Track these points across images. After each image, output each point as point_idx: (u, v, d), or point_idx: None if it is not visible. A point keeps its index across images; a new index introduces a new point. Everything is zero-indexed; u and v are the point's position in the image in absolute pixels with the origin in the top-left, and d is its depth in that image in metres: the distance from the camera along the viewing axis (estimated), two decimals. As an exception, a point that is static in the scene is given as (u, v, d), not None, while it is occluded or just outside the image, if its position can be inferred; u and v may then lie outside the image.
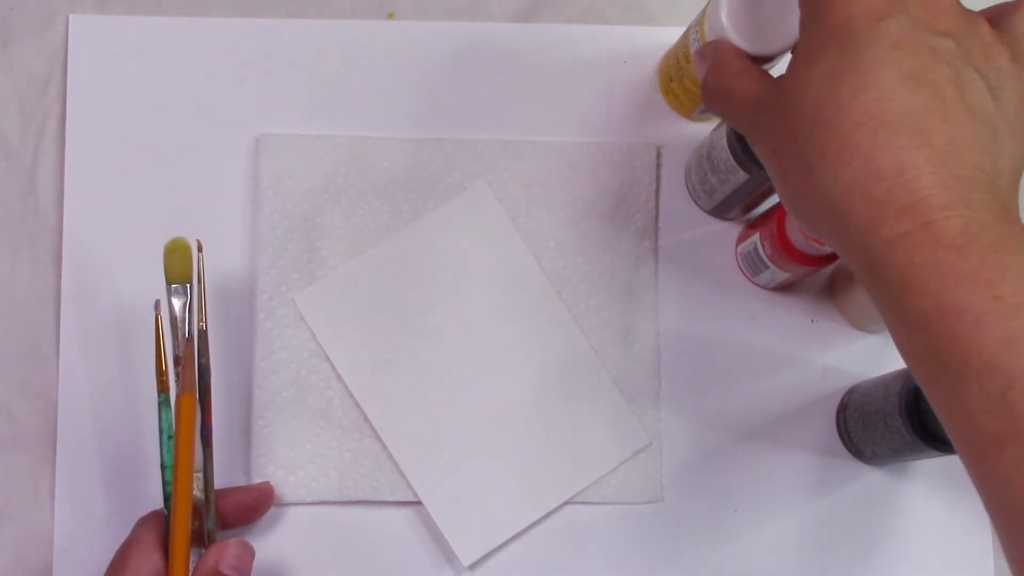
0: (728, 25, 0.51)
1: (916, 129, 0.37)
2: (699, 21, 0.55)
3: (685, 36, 0.58)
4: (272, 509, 0.58)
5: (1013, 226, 0.36)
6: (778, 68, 0.46)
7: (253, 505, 0.57)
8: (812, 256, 0.54)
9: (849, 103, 0.38)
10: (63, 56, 0.62)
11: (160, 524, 0.52)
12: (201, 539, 0.53)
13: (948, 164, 0.36)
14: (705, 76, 0.47)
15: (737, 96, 0.44)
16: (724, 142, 0.55)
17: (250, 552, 0.52)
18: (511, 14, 0.64)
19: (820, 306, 0.62)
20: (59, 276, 0.61)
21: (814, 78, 0.39)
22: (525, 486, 0.60)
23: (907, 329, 0.37)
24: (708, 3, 0.54)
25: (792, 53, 0.42)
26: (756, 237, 0.58)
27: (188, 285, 0.54)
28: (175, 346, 0.54)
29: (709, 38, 0.53)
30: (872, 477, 0.61)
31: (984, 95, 0.38)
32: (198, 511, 0.53)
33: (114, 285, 0.60)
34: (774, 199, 0.59)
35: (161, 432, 0.53)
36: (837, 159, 0.38)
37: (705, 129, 0.62)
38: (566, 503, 0.60)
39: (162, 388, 0.53)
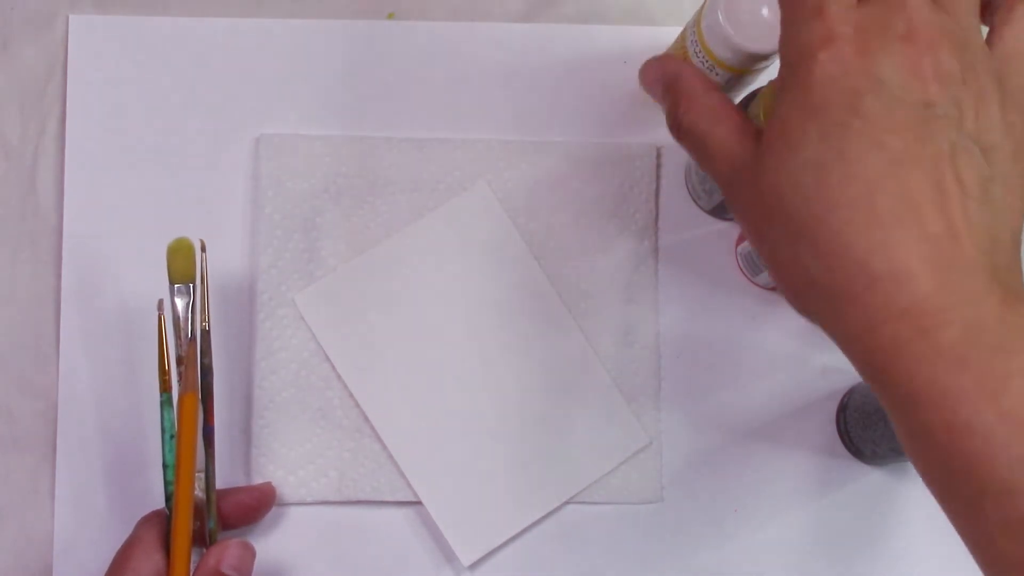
0: (725, 22, 0.51)
1: (909, 220, 0.35)
2: (696, 20, 0.55)
3: (682, 36, 0.58)
4: (273, 509, 0.58)
5: (1016, 311, 0.34)
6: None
7: (255, 505, 0.57)
8: (812, 256, 0.54)
9: (837, 197, 0.35)
10: (63, 56, 0.62)
11: (161, 524, 0.52)
12: (202, 539, 0.53)
13: (944, 255, 0.34)
14: (674, 109, 0.42)
15: (712, 147, 0.41)
16: (724, 142, 0.55)
17: (251, 552, 0.52)
18: (511, 14, 0.64)
19: (820, 306, 0.62)
20: (59, 276, 0.60)
21: (797, 166, 0.36)
22: (525, 486, 0.60)
23: (915, 442, 0.35)
24: (705, 1, 0.54)
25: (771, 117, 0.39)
26: (756, 237, 0.58)
27: (191, 285, 0.54)
28: (178, 346, 0.54)
29: (706, 36, 0.53)
30: (872, 477, 0.61)
31: (977, 161, 0.36)
32: (199, 511, 0.53)
33: (114, 285, 0.60)
34: (774, 199, 0.59)
35: (163, 432, 0.53)
36: (830, 260, 0.36)
37: (705, 129, 0.62)
38: (566, 503, 0.60)
39: (164, 388, 0.53)
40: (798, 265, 0.37)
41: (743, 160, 0.39)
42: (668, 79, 0.43)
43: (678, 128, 0.42)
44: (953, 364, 0.33)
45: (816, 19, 0.37)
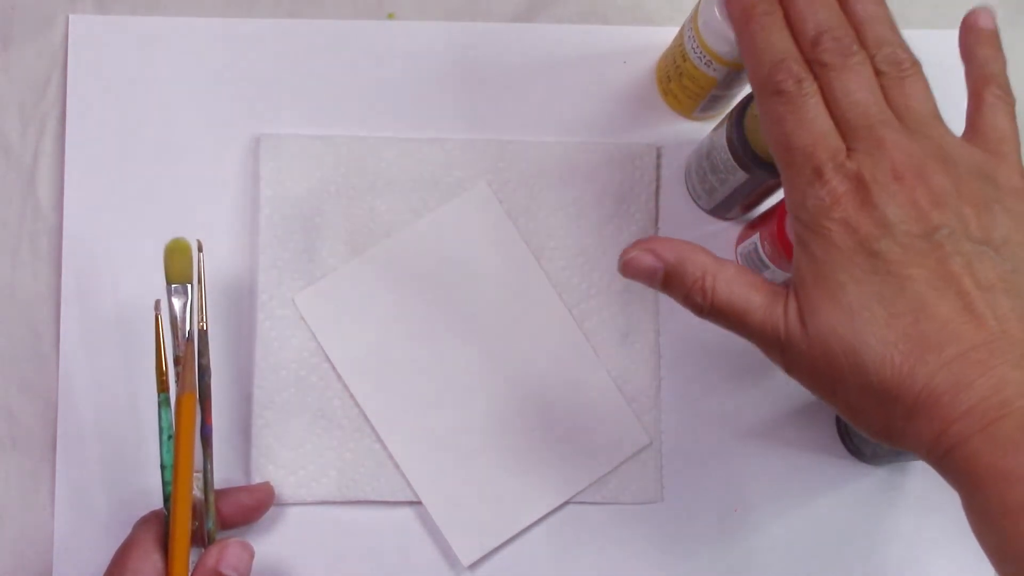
0: (722, 16, 0.51)
1: (954, 338, 0.38)
2: (692, 16, 0.55)
3: (680, 34, 0.58)
4: (272, 509, 0.58)
5: None
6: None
7: (253, 505, 0.57)
8: (812, 256, 0.54)
9: (887, 334, 0.39)
10: (63, 56, 0.62)
11: (160, 524, 0.52)
12: (201, 539, 0.53)
13: (994, 354, 0.38)
14: (696, 292, 0.44)
15: (754, 320, 0.43)
16: (724, 141, 0.55)
17: (249, 552, 0.52)
18: (511, 14, 0.64)
19: (820, 306, 0.62)
20: (59, 276, 0.61)
21: (844, 314, 0.40)
22: (525, 486, 0.60)
23: (977, 521, 0.38)
24: None
25: (794, 273, 0.43)
26: (756, 237, 0.58)
27: (188, 285, 0.54)
28: (175, 346, 0.53)
29: (703, 32, 0.53)
30: (872, 477, 0.61)
31: (992, 260, 0.40)
32: (198, 511, 0.53)
33: (114, 285, 0.60)
34: (774, 199, 0.59)
35: (161, 432, 0.53)
36: (900, 391, 0.39)
37: (705, 128, 0.62)
38: (566, 503, 0.60)
39: (162, 388, 0.53)
40: (875, 408, 0.40)
41: (784, 323, 0.42)
42: (670, 266, 0.45)
43: (711, 309, 0.44)
44: (1011, 451, 0.36)
45: (817, 182, 0.41)
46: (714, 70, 0.55)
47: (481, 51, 0.64)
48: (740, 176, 0.55)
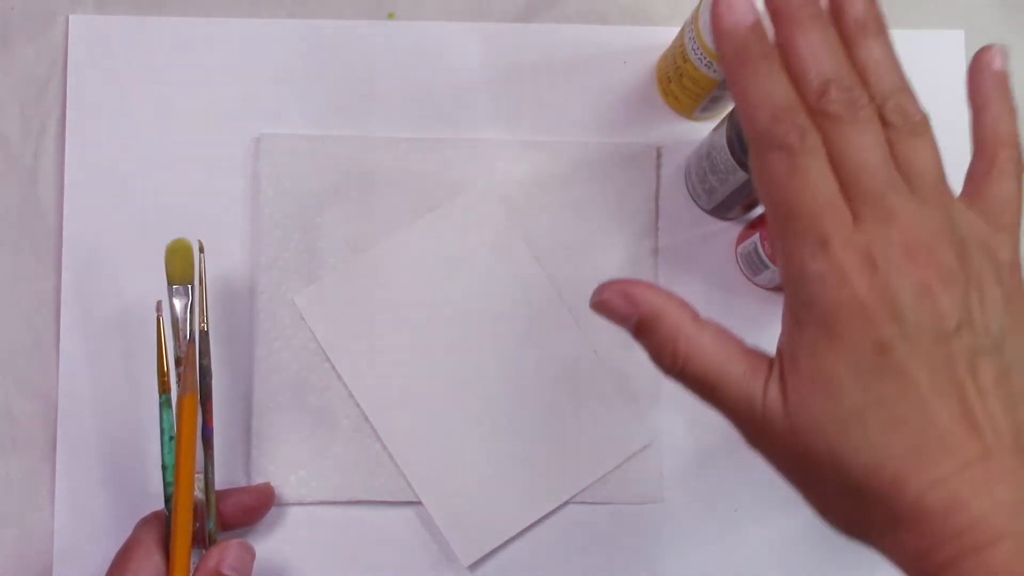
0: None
1: (950, 452, 0.36)
2: (693, 16, 0.55)
3: (681, 34, 0.58)
4: (273, 509, 0.58)
5: None
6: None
7: (254, 506, 0.57)
8: (812, 256, 0.54)
9: (883, 444, 0.36)
10: (63, 56, 0.62)
11: (161, 525, 0.53)
12: (202, 540, 0.53)
13: (990, 472, 0.35)
14: (668, 354, 0.41)
15: (728, 393, 0.39)
16: (724, 141, 0.55)
17: (251, 553, 0.52)
18: (511, 14, 0.64)
19: (820, 306, 0.62)
20: (59, 276, 0.61)
21: (839, 418, 0.37)
22: (525, 486, 0.60)
23: None
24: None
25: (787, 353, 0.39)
26: (756, 237, 0.58)
27: (189, 286, 0.54)
28: (176, 347, 0.54)
29: (704, 33, 0.53)
30: (872, 477, 0.61)
31: (992, 357, 0.37)
32: (199, 512, 0.53)
33: (114, 285, 0.60)
34: (774, 199, 0.59)
35: (162, 433, 0.53)
36: (888, 504, 0.36)
37: (705, 129, 0.62)
38: (566, 503, 0.60)
39: (163, 389, 0.53)
40: (852, 510, 0.38)
41: (763, 403, 0.39)
42: (645, 316, 0.41)
43: (682, 375, 0.41)
44: None
45: (822, 253, 0.37)
46: (715, 71, 0.55)
47: (481, 51, 0.64)
48: (740, 176, 0.55)
